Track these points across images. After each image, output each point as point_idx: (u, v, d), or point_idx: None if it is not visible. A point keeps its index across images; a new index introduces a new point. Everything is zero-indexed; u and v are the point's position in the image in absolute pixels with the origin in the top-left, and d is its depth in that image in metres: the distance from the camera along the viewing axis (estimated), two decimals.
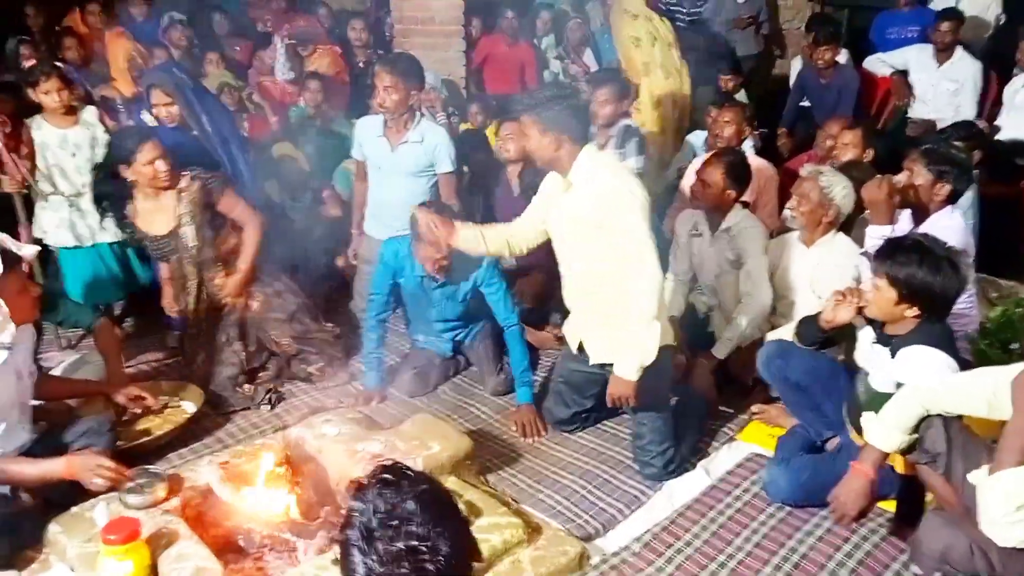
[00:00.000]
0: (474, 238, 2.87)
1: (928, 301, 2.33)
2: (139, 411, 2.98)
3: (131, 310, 4.02)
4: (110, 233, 3.65)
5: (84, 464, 2.33)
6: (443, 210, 3.03)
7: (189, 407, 3.12)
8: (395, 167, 3.60)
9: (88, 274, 3.69)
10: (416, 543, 1.17)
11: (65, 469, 2.33)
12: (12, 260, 2.41)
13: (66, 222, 3.62)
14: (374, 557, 1.17)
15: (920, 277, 2.30)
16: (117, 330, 3.52)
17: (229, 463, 2.56)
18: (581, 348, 2.88)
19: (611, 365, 2.75)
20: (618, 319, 2.67)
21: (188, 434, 3.04)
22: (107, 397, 2.98)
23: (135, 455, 2.76)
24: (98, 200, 3.41)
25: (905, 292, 2.33)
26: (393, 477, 1.24)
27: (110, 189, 3.30)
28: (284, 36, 5.42)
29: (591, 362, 2.84)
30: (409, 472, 1.27)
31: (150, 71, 4.44)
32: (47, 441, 2.58)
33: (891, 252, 2.38)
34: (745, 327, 3.20)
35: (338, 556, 1.23)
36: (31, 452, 2.50)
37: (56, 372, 3.26)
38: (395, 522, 1.18)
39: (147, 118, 3.77)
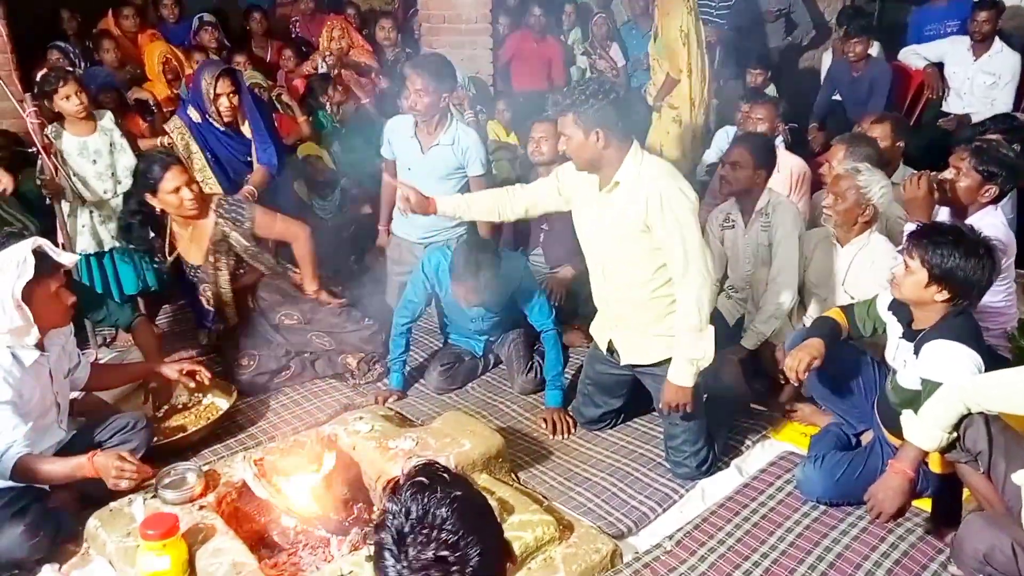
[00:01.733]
0: (455, 206, 2.85)
1: (959, 285, 2.30)
2: (192, 384, 3.00)
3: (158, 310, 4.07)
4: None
5: (106, 464, 2.33)
6: (475, 255, 3.01)
7: (222, 404, 3.15)
8: (426, 169, 3.58)
9: (99, 278, 3.74)
10: (446, 552, 1.17)
11: (89, 467, 2.34)
12: (49, 267, 2.41)
13: (88, 228, 3.67)
14: (404, 562, 1.17)
15: (953, 260, 2.27)
16: (155, 329, 3.57)
17: (264, 459, 2.58)
18: (610, 348, 2.86)
19: (643, 366, 2.74)
20: (652, 322, 2.64)
21: (222, 430, 3.08)
22: (147, 393, 3.03)
23: (171, 451, 2.81)
24: (126, 231, 3.38)
25: (937, 274, 2.30)
26: (428, 480, 1.24)
27: (138, 219, 3.30)
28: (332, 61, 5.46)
29: (622, 363, 2.81)
30: (445, 475, 1.26)
31: (208, 63, 4.42)
32: (84, 437, 2.62)
33: (926, 233, 2.37)
34: (774, 311, 3.16)
35: (373, 554, 1.24)
36: (68, 448, 2.54)
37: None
38: (427, 528, 1.18)
39: (193, 114, 3.69)
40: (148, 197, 3.21)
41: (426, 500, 1.20)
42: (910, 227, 2.87)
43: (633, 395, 3.04)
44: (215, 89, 3.58)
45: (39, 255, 2.38)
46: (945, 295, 2.32)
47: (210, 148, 3.72)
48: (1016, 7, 5.18)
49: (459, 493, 1.23)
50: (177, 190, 3.15)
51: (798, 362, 2.53)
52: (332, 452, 2.55)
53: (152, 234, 3.38)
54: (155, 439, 2.80)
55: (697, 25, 4.88)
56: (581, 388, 3.12)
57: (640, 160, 2.50)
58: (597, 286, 2.79)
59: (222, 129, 3.69)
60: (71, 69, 3.92)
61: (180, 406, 3.15)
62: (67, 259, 2.50)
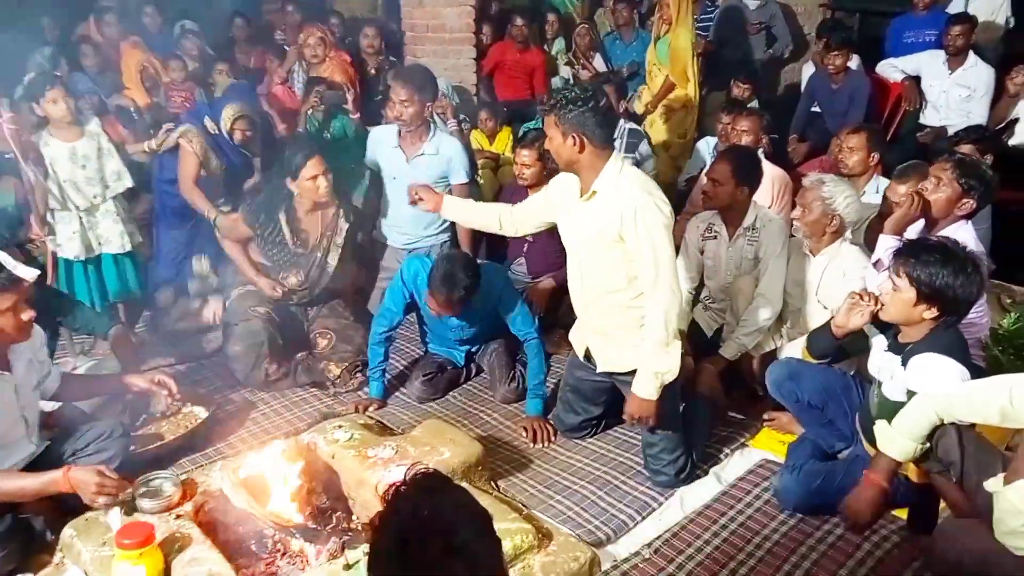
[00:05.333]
0: (463, 208, 2.93)
1: (948, 302, 2.31)
2: (164, 395, 2.96)
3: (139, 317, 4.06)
4: (115, 245, 3.71)
5: (84, 479, 2.29)
6: (456, 269, 3.03)
7: (201, 412, 3.14)
8: (410, 178, 3.62)
9: (83, 282, 3.73)
10: (453, 558, 1.15)
11: (64, 482, 2.29)
12: (5, 281, 2.33)
13: (78, 234, 3.66)
14: (407, 567, 1.16)
15: (942, 277, 2.28)
16: (133, 336, 3.54)
17: (241, 467, 2.57)
18: (587, 356, 2.87)
19: (619, 374, 2.76)
20: (628, 330, 2.66)
21: (200, 439, 3.06)
22: (126, 390, 2.99)
23: (148, 460, 2.79)
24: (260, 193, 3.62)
25: (925, 292, 2.30)
26: (432, 484, 1.23)
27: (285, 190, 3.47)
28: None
29: (598, 370, 2.83)
30: (448, 482, 1.26)
31: (237, 89, 4.66)
32: (58, 447, 2.58)
33: (914, 251, 2.36)
34: (757, 326, 3.19)
35: (368, 557, 1.22)
36: (41, 459, 2.50)
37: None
38: (431, 533, 1.17)
39: (209, 125, 3.84)
40: (288, 181, 3.40)
41: (431, 505, 1.19)
42: (886, 241, 2.91)
43: (613, 403, 3.04)
44: (232, 124, 3.81)
45: None
46: (934, 312, 2.33)
47: (223, 151, 3.88)
48: (988, 22, 5.27)
49: (463, 500, 1.23)
50: (315, 178, 3.36)
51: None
52: (299, 462, 2.52)
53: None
54: (132, 448, 2.78)
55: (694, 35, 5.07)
56: (561, 395, 3.13)
57: (619, 170, 2.52)
58: (575, 292, 2.81)
59: (233, 143, 3.86)
60: (58, 74, 3.93)
61: (158, 415, 3.12)
62: (25, 273, 2.40)
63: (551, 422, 3.18)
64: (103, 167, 3.67)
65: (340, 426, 2.81)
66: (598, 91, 2.72)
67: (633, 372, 2.67)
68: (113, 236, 3.71)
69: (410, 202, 2.99)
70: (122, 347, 3.11)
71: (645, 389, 2.58)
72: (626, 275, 2.57)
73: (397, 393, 3.46)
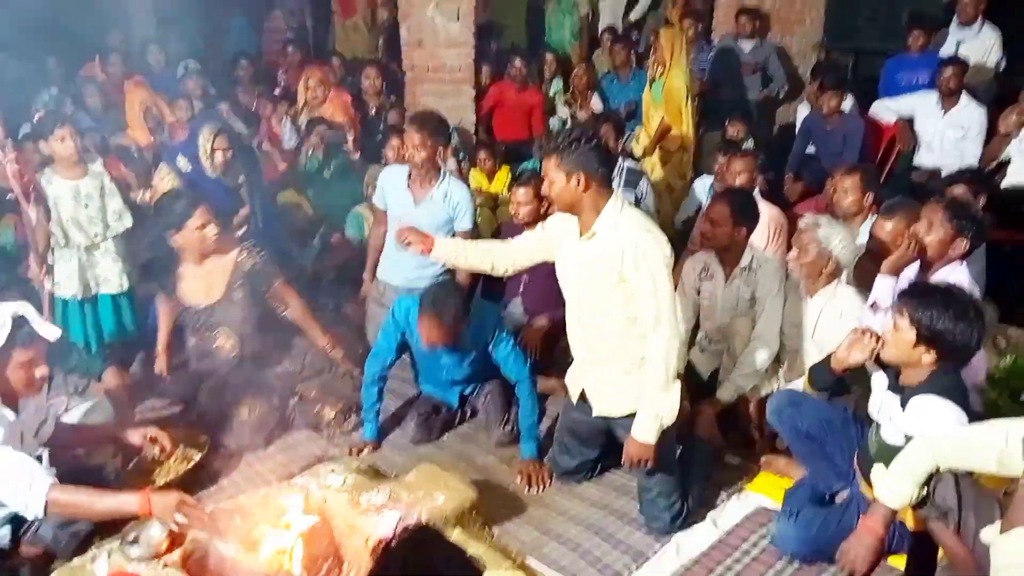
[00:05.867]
0: (454, 250, 2.88)
1: (947, 347, 2.30)
2: (156, 451, 2.94)
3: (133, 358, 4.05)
4: (113, 285, 3.72)
5: (166, 503, 2.25)
6: (447, 295, 3.05)
7: (194, 455, 3.11)
8: (417, 221, 3.62)
9: (78, 322, 3.73)
10: None
11: (142, 506, 2.24)
12: (27, 336, 2.34)
13: (76, 273, 3.67)
14: None
15: (943, 321, 2.27)
16: (126, 377, 3.54)
17: (232, 513, 2.55)
18: (583, 397, 2.85)
19: (616, 417, 2.74)
20: (626, 372, 2.65)
21: (191, 482, 3.02)
22: (119, 442, 2.98)
23: None
24: (146, 268, 3.47)
25: (926, 335, 2.30)
26: (422, 538, 1.22)
27: (160, 254, 3.35)
28: (291, 114, 5.54)
29: (594, 413, 2.80)
30: (438, 536, 1.25)
31: (205, 114, 4.59)
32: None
33: (917, 293, 2.36)
34: (755, 368, 3.18)
35: None
36: None
37: (68, 419, 3.27)
38: None
39: (181, 163, 3.81)
40: (171, 234, 3.25)
41: (422, 560, 1.18)
42: (882, 282, 2.92)
43: (609, 445, 3.02)
44: (212, 144, 3.72)
45: (18, 321, 2.33)
46: (932, 356, 2.32)
47: (203, 191, 3.76)
48: (980, 64, 5.33)
49: (454, 554, 1.22)
50: (203, 227, 3.20)
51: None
52: (311, 515, 2.50)
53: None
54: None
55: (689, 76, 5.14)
56: (557, 437, 3.10)
57: (619, 210, 2.53)
58: (573, 333, 2.80)
59: (213, 177, 3.79)
60: (67, 113, 4.00)
61: (150, 458, 3.09)
62: (48, 332, 2.41)
63: (546, 465, 3.15)
64: (105, 206, 3.70)
65: (333, 470, 2.78)
66: (598, 132, 2.72)
67: (630, 416, 2.65)
68: (112, 275, 3.73)
69: (398, 244, 2.97)
70: (116, 389, 3.10)
71: (645, 432, 2.55)
72: (626, 315, 2.57)
73: (391, 435, 3.43)
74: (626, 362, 2.64)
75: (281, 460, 3.26)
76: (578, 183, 2.46)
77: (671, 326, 2.48)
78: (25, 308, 2.41)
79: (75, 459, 2.91)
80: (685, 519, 2.81)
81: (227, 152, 3.75)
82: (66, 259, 3.68)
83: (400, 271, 3.92)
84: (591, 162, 2.46)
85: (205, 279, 3.34)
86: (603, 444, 3.01)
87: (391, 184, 3.82)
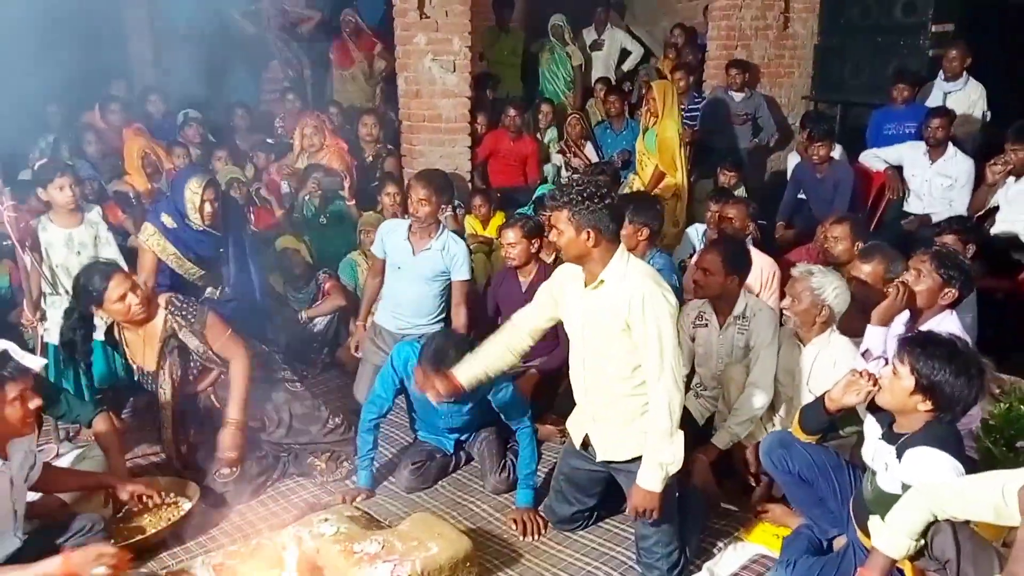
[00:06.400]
0: (476, 374, 2.85)
1: (943, 399, 2.30)
2: (140, 507, 2.93)
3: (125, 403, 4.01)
4: (102, 332, 3.70)
5: (84, 558, 2.24)
6: (448, 345, 3.00)
7: (185, 504, 3.07)
8: (414, 270, 3.88)
9: (70, 368, 3.70)
10: None
11: (62, 569, 2.23)
12: (14, 371, 2.35)
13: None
14: None
15: (944, 373, 2.27)
16: (117, 423, 3.50)
17: (223, 564, 2.51)
18: (585, 444, 2.84)
19: (618, 463, 2.74)
20: (628, 419, 2.65)
21: (182, 531, 2.98)
22: (108, 491, 2.95)
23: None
24: (66, 347, 3.30)
25: (924, 384, 2.29)
26: None
27: (80, 334, 3.22)
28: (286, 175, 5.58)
29: (597, 459, 2.79)
30: None
31: (189, 168, 4.55)
32: (37, 541, 2.52)
33: (921, 343, 2.36)
34: (750, 415, 3.17)
35: None
36: (20, 554, 2.44)
37: (61, 464, 3.23)
38: None
39: (167, 220, 3.72)
40: (94, 309, 3.14)
41: None
42: (873, 331, 2.94)
43: (607, 494, 3.01)
44: (202, 196, 3.64)
45: (2, 359, 2.34)
46: (928, 406, 2.32)
47: (188, 247, 3.76)
48: (966, 115, 5.45)
49: None
50: (123, 297, 3.06)
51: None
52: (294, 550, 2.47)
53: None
54: (112, 541, 2.71)
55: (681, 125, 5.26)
56: (554, 485, 3.08)
57: (626, 261, 2.57)
58: (577, 380, 2.80)
59: (200, 229, 3.71)
60: (70, 163, 4.03)
61: (140, 506, 3.06)
62: (33, 363, 2.43)
63: (541, 514, 3.12)
64: (98, 256, 3.70)
65: (326, 519, 2.75)
66: (611, 187, 2.76)
67: (632, 461, 2.66)
68: (101, 324, 3.71)
69: (417, 391, 3.01)
70: (106, 435, 3.07)
71: (650, 481, 2.55)
72: (630, 364, 2.58)
73: (385, 483, 3.40)
74: (629, 410, 2.65)
75: (273, 509, 3.22)
76: (588, 238, 2.51)
77: (674, 375, 2.50)
78: (6, 344, 2.42)
79: (63, 508, 2.88)
80: (683, 569, 2.77)
81: (215, 203, 3.70)
82: (56, 305, 3.67)
83: (396, 318, 3.98)
84: (603, 219, 2.51)
85: (144, 346, 3.24)
86: (600, 492, 2.99)
87: (392, 235, 3.97)
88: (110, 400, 3.83)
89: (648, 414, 2.57)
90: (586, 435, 2.82)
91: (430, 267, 3.86)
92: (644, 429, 2.61)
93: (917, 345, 2.34)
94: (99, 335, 3.74)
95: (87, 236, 3.69)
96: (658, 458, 2.54)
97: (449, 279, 3.90)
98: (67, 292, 3.65)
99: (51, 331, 3.67)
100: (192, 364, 3.30)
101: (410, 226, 3.90)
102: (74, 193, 3.62)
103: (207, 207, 3.66)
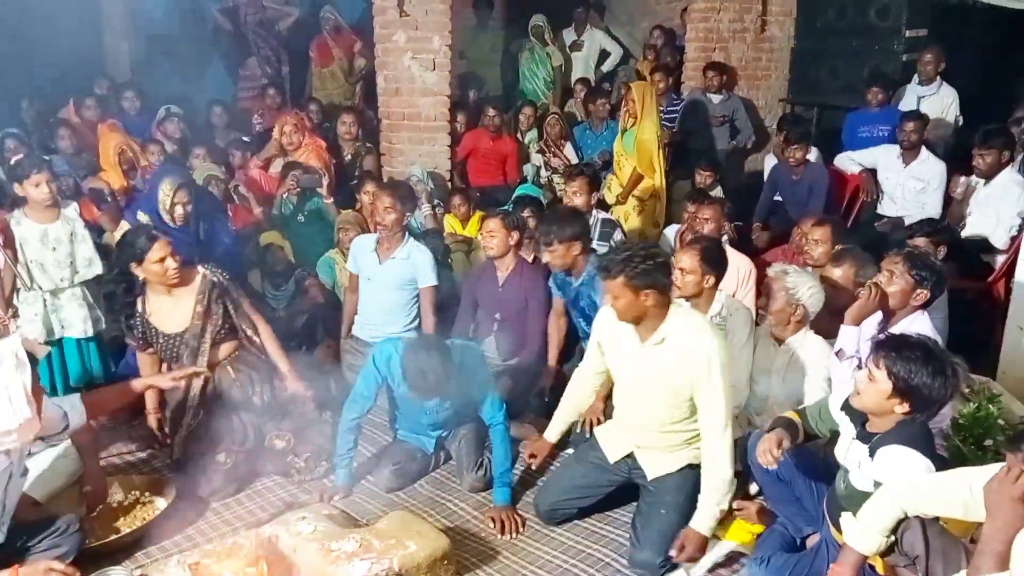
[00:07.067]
0: (566, 421, 3.21)
1: (920, 400, 2.32)
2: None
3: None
4: (77, 330, 3.68)
5: (33, 573, 2.24)
6: (427, 362, 3.04)
7: (160, 503, 3.05)
8: (382, 280, 4.03)
9: (44, 366, 3.65)
10: None
11: None
12: (33, 363, 2.36)
13: (40, 317, 3.63)
14: None
15: (921, 376, 2.29)
16: (92, 423, 3.46)
17: (199, 563, 2.49)
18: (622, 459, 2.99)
19: (662, 476, 2.90)
20: (676, 446, 2.86)
21: (157, 531, 2.96)
22: (83, 491, 2.94)
23: (104, 554, 2.70)
24: (108, 298, 3.44)
25: (901, 387, 2.31)
26: None
27: (121, 287, 3.34)
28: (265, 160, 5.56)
29: (649, 478, 2.92)
30: None
31: (165, 167, 4.59)
32: (11, 541, 2.49)
33: (896, 346, 2.37)
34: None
35: None
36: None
37: (35, 465, 3.19)
38: None
39: (142, 217, 3.80)
40: (133, 267, 3.26)
41: None
42: (846, 331, 2.98)
43: (600, 502, 3.12)
44: (173, 199, 3.78)
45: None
46: (906, 408, 2.34)
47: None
48: (939, 119, 5.54)
49: None
50: (162, 260, 3.22)
51: (770, 442, 2.54)
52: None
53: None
54: (87, 542, 2.69)
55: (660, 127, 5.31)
56: (556, 480, 3.17)
57: (684, 314, 2.74)
58: (627, 413, 2.94)
59: (175, 227, 3.77)
60: (47, 158, 3.99)
61: (115, 504, 3.04)
62: (41, 351, 2.49)
63: (519, 512, 3.13)
64: (74, 252, 3.68)
65: (303, 517, 2.75)
66: (661, 250, 2.87)
67: (674, 473, 2.87)
68: (76, 321, 3.69)
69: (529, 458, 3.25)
70: (81, 436, 3.03)
71: (705, 524, 2.72)
72: (687, 411, 2.77)
73: (363, 481, 3.40)
74: (678, 441, 2.85)
75: (250, 507, 3.21)
76: (646, 298, 2.65)
77: (729, 429, 2.70)
78: (24, 333, 2.42)
79: (36, 508, 2.85)
80: (671, 568, 2.81)
81: (187, 205, 3.80)
82: (30, 302, 3.63)
83: (370, 328, 4.13)
84: (659, 278, 2.66)
85: (174, 309, 3.35)
86: (599, 497, 3.08)
87: (362, 250, 4.15)
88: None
89: (707, 463, 2.73)
90: (631, 453, 2.97)
91: (397, 276, 4.01)
92: (689, 447, 2.84)
93: (892, 349, 2.35)
94: (74, 333, 3.71)
95: (63, 232, 3.65)
96: (717, 505, 2.72)
97: (417, 287, 4.03)
98: (41, 288, 3.62)
99: (25, 327, 3.61)
100: (227, 322, 3.39)
101: (379, 239, 4.05)
102: (50, 190, 3.58)
103: (178, 209, 3.79)
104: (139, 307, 3.33)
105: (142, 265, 3.23)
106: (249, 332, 3.43)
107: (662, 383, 2.74)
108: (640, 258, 2.62)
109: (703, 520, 2.72)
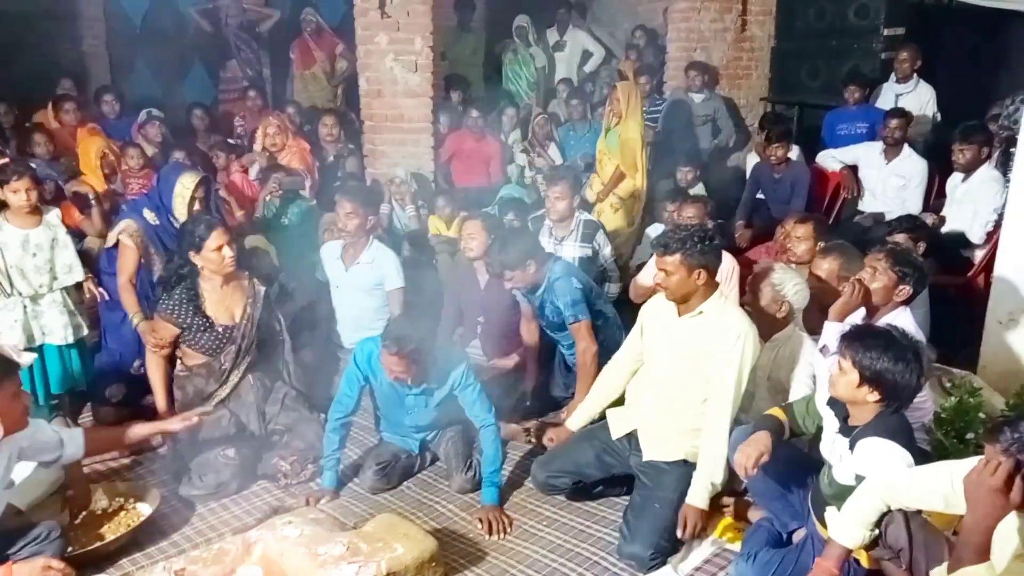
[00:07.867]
0: (593, 410, 3.22)
1: (888, 387, 2.37)
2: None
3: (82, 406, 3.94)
4: (58, 336, 3.64)
5: (30, 572, 2.23)
6: (408, 328, 3.07)
7: (144, 509, 3.03)
8: (349, 285, 4.06)
9: (25, 372, 3.61)
10: None
11: None
12: (11, 368, 2.34)
13: (20, 323, 3.59)
14: None
15: (883, 362, 2.34)
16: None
17: (185, 569, 2.48)
18: (628, 436, 3.04)
19: (658, 462, 2.95)
20: (680, 432, 2.92)
21: (142, 537, 2.94)
22: (64, 499, 2.91)
23: (88, 562, 2.68)
24: (167, 284, 3.47)
25: (867, 375, 2.36)
26: None
27: (183, 273, 3.41)
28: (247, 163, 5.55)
29: (644, 458, 2.98)
30: None
31: (175, 165, 4.61)
32: None
33: (859, 336, 2.44)
34: None
35: None
36: None
37: (19, 472, 3.15)
38: None
39: (149, 216, 3.73)
40: (192, 255, 3.33)
41: None
42: (830, 327, 3.00)
43: (599, 482, 3.17)
44: (194, 192, 3.73)
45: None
46: (876, 396, 2.38)
47: (165, 244, 3.77)
48: (921, 115, 5.60)
49: None
50: (220, 248, 3.31)
51: (747, 457, 2.56)
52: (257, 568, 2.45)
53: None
54: (70, 549, 2.67)
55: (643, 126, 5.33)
56: (558, 453, 3.20)
57: (724, 300, 2.88)
58: (644, 399, 3.02)
59: (176, 228, 3.71)
60: (33, 166, 3.94)
61: (99, 511, 3.01)
62: (26, 358, 2.45)
63: (507, 513, 3.14)
64: (55, 258, 3.64)
65: (290, 522, 2.73)
66: (715, 228, 3.01)
67: (669, 465, 2.92)
68: (56, 327, 3.64)
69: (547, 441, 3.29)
70: None
71: (700, 499, 2.80)
72: (701, 395, 2.86)
73: (350, 484, 3.38)
74: (685, 427, 2.92)
75: (235, 512, 3.18)
76: (699, 277, 2.79)
77: (731, 414, 2.80)
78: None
79: (18, 515, 2.82)
80: (661, 562, 2.83)
81: (203, 201, 3.79)
82: (9, 308, 3.59)
83: (344, 334, 4.17)
84: (713, 258, 2.83)
85: (225, 301, 3.45)
86: (603, 474, 3.13)
87: (329, 257, 4.18)
88: (66, 406, 3.78)
89: (705, 437, 2.83)
90: (632, 431, 3.04)
91: (363, 280, 4.04)
92: (690, 438, 2.89)
93: (855, 339, 2.43)
94: (55, 339, 3.67)
95: (44, 238, 3.62)
96: (710, 478, 2.80)
97: (385, 289, 4.04)
98: (20, 294, 3.58)
99: (4, 333, 3.57)
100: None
101: (344, 245, 4.07)
102: (30, 197, 3.54)
103: (196, 204, 3.75)
104: (199, 292, 3.39)
105: (200, 253, 3.30)
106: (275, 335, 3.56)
107: (688, 357, 2.85)
108: (699, 239, 2.78)
109: (698, 493, 2.80)
